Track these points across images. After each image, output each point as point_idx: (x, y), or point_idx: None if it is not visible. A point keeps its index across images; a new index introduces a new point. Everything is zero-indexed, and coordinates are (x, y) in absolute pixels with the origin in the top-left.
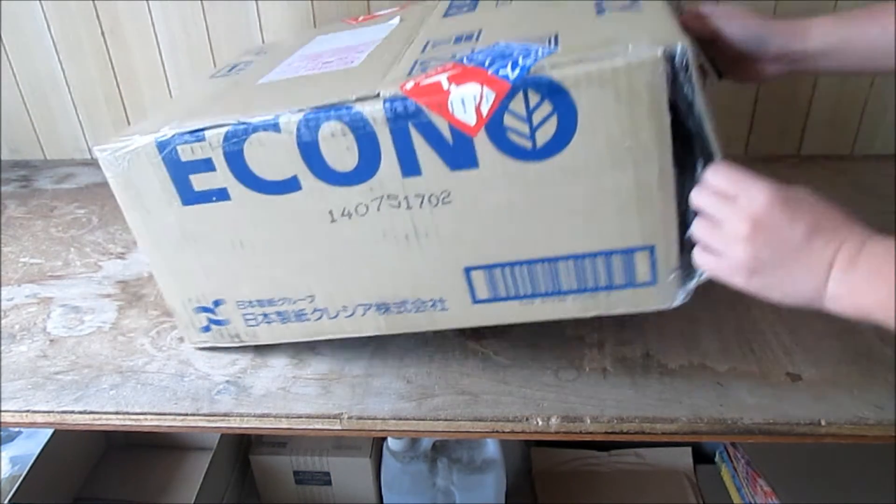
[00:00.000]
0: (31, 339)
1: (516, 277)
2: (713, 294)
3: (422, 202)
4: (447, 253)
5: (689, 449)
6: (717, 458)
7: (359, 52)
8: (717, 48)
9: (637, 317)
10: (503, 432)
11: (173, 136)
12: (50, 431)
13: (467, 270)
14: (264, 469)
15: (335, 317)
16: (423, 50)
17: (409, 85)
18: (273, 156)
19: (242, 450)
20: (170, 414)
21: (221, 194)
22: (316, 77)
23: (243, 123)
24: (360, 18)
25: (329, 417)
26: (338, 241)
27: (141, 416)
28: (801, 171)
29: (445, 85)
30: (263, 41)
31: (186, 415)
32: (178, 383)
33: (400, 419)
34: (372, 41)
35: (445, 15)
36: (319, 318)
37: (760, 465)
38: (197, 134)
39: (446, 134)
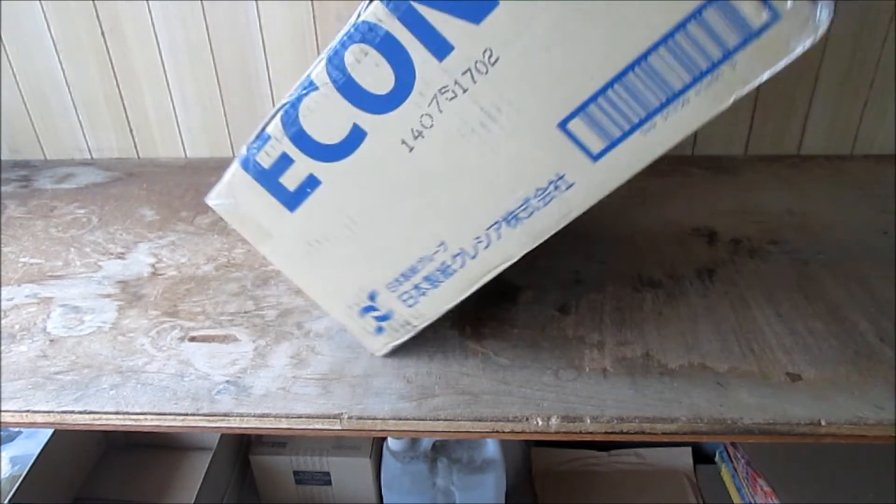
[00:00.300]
0: (31, 339)
1: (617, 104)
2: (713, 294)
3: (472, 76)
4: (530, 119)
5: (689, 449)
6: (717, 458)
7: None
8: None
9: (637, 317)
10: (503, 432)
11: (248, 149)
12: (50, 431)
13: (563, 126)
14: (264, 469)
15: (475, 255)
16: None
17: None
18: (327, 116)
19: (242, 450)
20: (170, 414)
21: (312, 182)
22: None
23: (289, 101)
24: None
25: (329, 417)
26: (426, 168)
27: (141, 416)
28: (801, 171)
29: None
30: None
31: (186, 415)
32: (178, 383)
33: (400, 419)
34: None
35: None
36: (463, 263)
37: (760, 465)
38: (261, 135)
39: None
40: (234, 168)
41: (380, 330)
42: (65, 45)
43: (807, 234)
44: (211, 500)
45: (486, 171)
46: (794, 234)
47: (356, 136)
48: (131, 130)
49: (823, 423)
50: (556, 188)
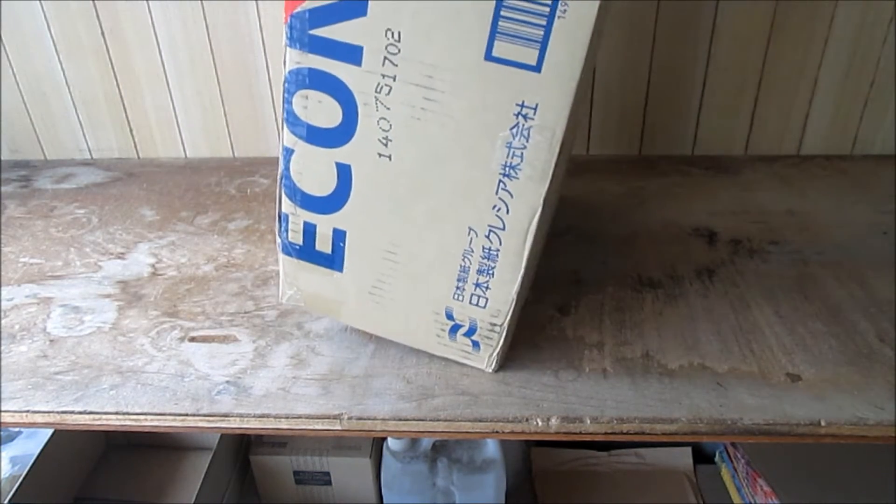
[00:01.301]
0: (31, 339)
1: (519, 5)
2: (713, 294)
3: (391, 61)
4: (459, 67)
5: (689, 449)
6: (717, 458)
7: None
8: None
9: (637, 317)
10: (503, 433)
11: (279, 235)
12: (50, 431)
13: (489, 56)
14: (264, 469)
15: (504, 226)
16: None
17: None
18: (313, 168)
19: (242, 450)
20: (170, 414)
21: (340, 235)
22: None
23: (282, 174)
24: None
25: (329, 418)
26: (411, 167)
27: (141, 417)
28: (801, 171)
29: None
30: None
31: (186, 415)
32: (178, 383)
33: (400, 419)
34: None
35: None
36: (500, 239)
37: (760, 465)
38: (281, 218)
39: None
40: (281, 259)
41: (476, 345)
42: (65, 45)
43: (807, 234)
44: (211, 500)
45: (458, 138)
46: (794, 234)
47: (345, 173)
48: (131, 130)
49: (823, 423)
50: (526, 118)
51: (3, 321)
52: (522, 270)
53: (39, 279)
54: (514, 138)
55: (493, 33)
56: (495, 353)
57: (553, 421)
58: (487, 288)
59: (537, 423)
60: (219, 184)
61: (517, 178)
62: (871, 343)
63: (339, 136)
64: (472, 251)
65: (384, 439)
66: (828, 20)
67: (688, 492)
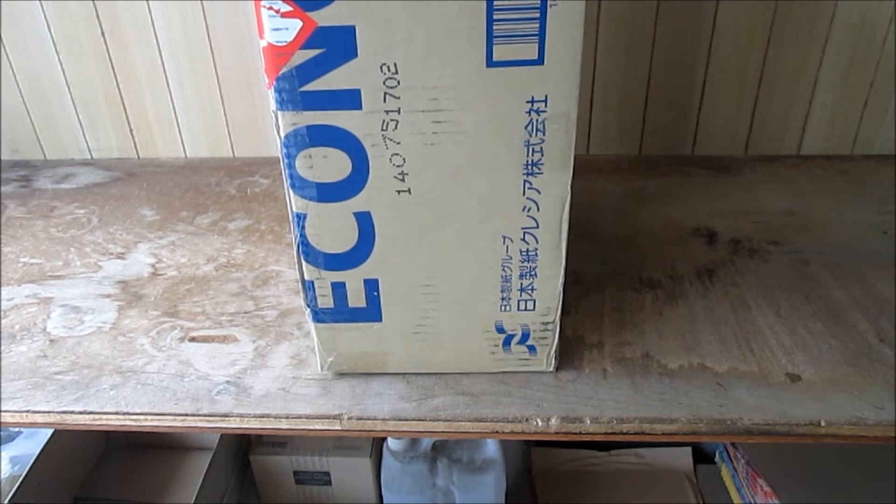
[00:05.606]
0: (31, 339)
1: (509, 3)
2: (713, 294)
3: (392, 94)
4: (463, 82)
5: (689, 449)
6: (717, 458)
7: None
8: None
9: (637, 317)
10: (503, 433)
11: (308, 305)
12: (50, 431)
13: (490, 62)
14: (264, 469)
15: (538, 223)
16: None
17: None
18: (332, 227)
19: (242, 450)
20: (170, 414)
21: (373, 285)
22: None
23: (298, 241)
24: None
25: (329, 418)
26: (432, 193)
27: (141, 417)
28: (801, 171)
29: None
30: None
31: (186, 415)
32: (178, 383)
33: (400, 419)
34: None
35: None
36: (535, 237)
37: (760, 465)
38: (307, 286)
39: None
40: (314, 328)
41: (532, 349)
42: (65, 45)
43: (807, 234)
44: (211, 500)
45: (475, 152)
46: (794, 234)
47: (365, 221)
48: (131, 130)
49: (823, 423)
50: (538, 112)
51: (3, 321)
52: (563, 262)
53: (39, 279)
54: (530, 135)
55: (490, 39)
56: (552, 352)
57: (553, 421)
58: (533, 289)
59: (537, 423)
60: (219, 184)
61: (541, 174)
62: (871, 343)
63: (351, 185)
64: (511, 258)
65: (384, 439)
66: (828, 20)
67: (688, 492)
